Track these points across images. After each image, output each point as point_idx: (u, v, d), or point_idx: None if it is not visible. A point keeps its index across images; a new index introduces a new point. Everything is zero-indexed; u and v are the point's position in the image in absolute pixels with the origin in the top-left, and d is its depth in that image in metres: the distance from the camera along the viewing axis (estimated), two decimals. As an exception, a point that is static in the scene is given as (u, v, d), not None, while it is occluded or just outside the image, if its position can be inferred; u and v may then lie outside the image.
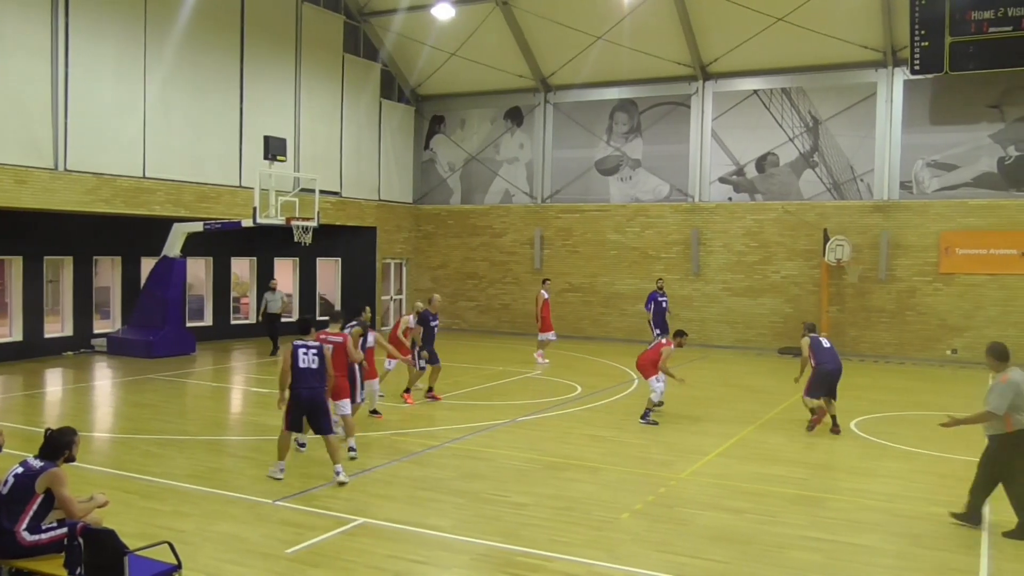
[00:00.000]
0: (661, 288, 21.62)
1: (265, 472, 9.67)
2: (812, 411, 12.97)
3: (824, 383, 12.78)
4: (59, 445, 6.13)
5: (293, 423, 9.41)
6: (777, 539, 7.81)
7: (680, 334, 13.91)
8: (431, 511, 8.46)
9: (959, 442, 12.06)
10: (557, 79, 26.00)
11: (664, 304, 21.14)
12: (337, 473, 9.28)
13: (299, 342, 9.45)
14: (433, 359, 14.52)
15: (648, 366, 13.47)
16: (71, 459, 6.20)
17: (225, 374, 18.81)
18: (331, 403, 9.98)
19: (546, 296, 20.01)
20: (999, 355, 8.27)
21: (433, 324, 14.58)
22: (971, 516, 8.27)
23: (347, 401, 10.57)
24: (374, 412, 12.96)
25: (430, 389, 14.68)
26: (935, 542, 7.84)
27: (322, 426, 9.39)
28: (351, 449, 10.41)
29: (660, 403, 13.67)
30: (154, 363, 18.60)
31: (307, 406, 9.32)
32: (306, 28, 24.08)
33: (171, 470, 9.83)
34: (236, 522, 8.04)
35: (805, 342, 13.03)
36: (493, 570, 7.06)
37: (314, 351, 9.38)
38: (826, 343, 13.09)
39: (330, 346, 10.09)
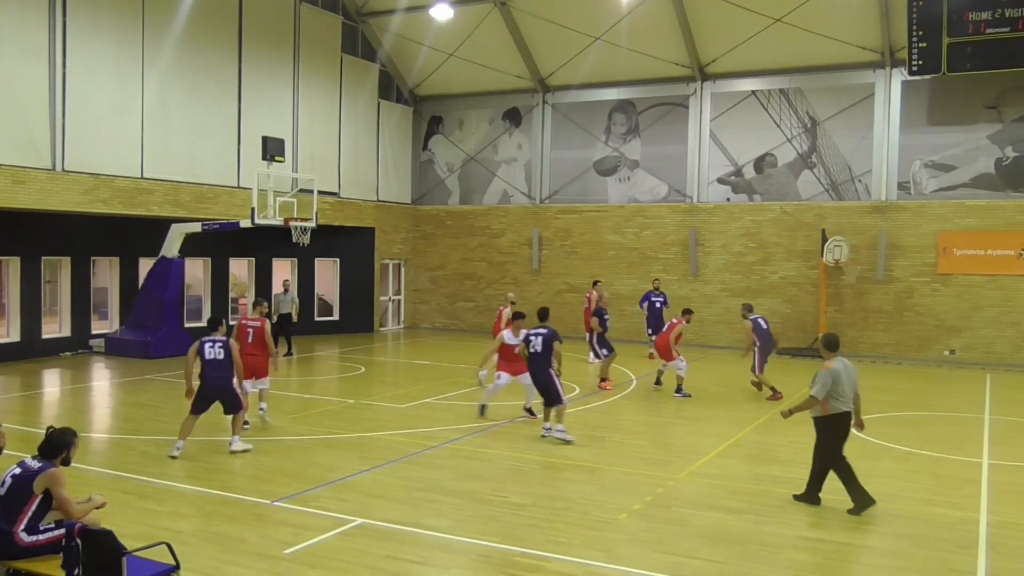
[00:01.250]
0: (657, 288, 21.58)
1: (263, 473, 9.70)
2: (772, 387, 14.88)
3: (766, 360, 14.99)
4: (58, 445, 6.13)
5: (199, 408, 10.49)
6: (775, 539, 7.82)
7: (687, 312, 16.02)
8: (429, 511, 8.46)
9: (957, 442, 12.11)
10: (555, 80, 26.01)
11: (658, 304, 21.07)
12: (232, 443, 10.64)
13: (206, 338, 10.66)
14: (610, 349, 16.42)
15: (667, 349, 15.13)
16: (67, 461, 6.18)
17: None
18: (254, 381, 12.03)
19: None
20: (829, 345, 8.98)
21: (606, 317, 16.81)
22: (810, 495, 8.92)
23: (267, 379, 12.40)
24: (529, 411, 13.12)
25: (603, 379, 16.13)
26: (933, 542, 7.84)
27: (232, 408, 10.63)
28: (261, 409, 12.27)
29: (667, 379, 15.40)
30: (152, 364, 18.59)
31: (214, 393, 10.50)
32: (304, 28, 24.09)
33: (169, 471, 9.83)
34: (234, 523, 8.04)
35: (748, 325, 14.96)
36: (491, 570, 7.06)
37: (219, 344, 10.58)
38: (764, 324, 14.98)
39: (250, 330, 11.98)
